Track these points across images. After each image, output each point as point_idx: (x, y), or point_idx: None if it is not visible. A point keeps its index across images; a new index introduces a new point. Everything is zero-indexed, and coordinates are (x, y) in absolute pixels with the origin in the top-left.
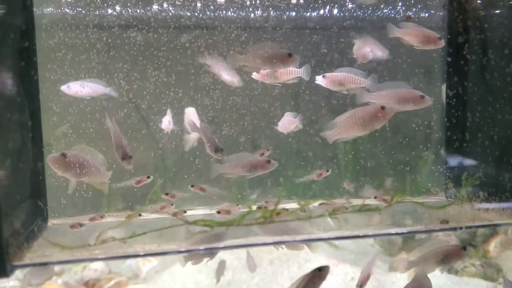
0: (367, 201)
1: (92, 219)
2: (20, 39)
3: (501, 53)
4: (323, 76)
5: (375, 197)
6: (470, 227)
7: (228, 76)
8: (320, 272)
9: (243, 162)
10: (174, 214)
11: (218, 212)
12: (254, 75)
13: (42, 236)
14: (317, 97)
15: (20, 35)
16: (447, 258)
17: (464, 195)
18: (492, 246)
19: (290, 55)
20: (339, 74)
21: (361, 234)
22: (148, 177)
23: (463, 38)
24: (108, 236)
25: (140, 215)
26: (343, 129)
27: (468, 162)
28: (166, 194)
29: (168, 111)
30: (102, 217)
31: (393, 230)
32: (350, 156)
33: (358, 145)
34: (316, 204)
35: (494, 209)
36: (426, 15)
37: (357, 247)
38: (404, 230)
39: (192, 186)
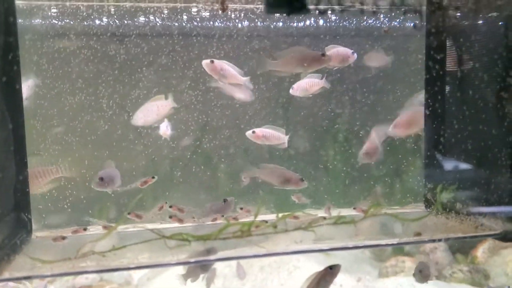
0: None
1: (75, 232)
2: (3, 53)
3: (474, 67)
4: (292, 88)
5: (354, 208)
6: (448, 239)
7: (241, 94)
8: (332, 270)
9: (278, 174)
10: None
11: (170, 217)
12: (205, 63)
13: (25, 249)
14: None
15: (3, 50)
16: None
17: (439, 207)
18: (480, 251)
19: (323, 55)
20: (303, 82)
21: (350, 246)
22: (153, 177)
23: (440, 51)
24: (89, 250)
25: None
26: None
27: (445, 174)
28: (129, 213)
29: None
30: (85, 229)
31: (383, 242)
32: (334, 165)
33: (347, 153)
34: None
35: (469, 220)
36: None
37: (348, 254)
38: (394, 241)
39: (171, 206)
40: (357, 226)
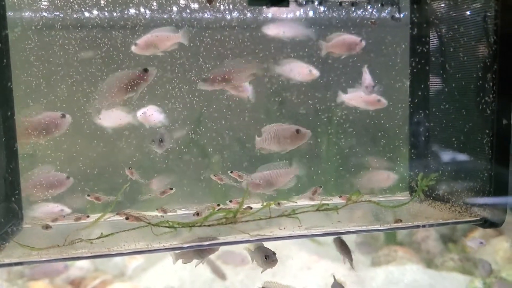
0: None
1: (54, 220)
2: None
3: (457, 58)
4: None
5: (340, 196)
6: (432, 225)
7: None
8: None
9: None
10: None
11: (127, 219)
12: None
13: (15, 238)
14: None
15: None
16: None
17: (421, 194)
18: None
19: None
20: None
21: (341, 231)
22: (171, 189)
23: (424, 43)
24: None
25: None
26: (265, 141)
27: (429, 162)
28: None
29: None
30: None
31: (374, 227)
32: (332, 153)
33: (339, 142)
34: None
35: (452, 207)
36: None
37: None
38: (385, 227)
39: (88, 195)
40: (350, 215)
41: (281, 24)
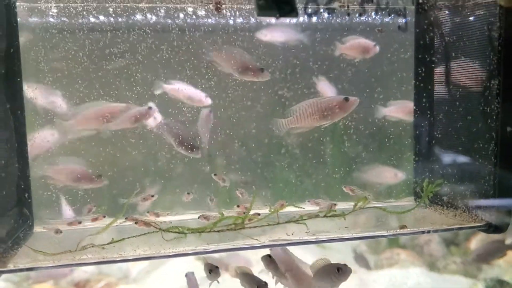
0: None
1: (70, 224)
2: (5, 52)
3: (461, 64)
4: None
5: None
6: (436, 231)
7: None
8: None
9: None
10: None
11: (136, 223)
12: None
13: (27, 243)
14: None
15: (4, 49)
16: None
17: (426, 200)
18: (473, 244)
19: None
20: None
21: (346, 237)
22: (152, 196)
23: (428, 48)
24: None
25: None
26: (302, 117)
27: (434, 168)
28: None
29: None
30: (79, 222)
31: (379, 233)
32: (336, 156)
33: (344, 146)
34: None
35: (456, 212)
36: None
37: (344, 246)
38: (391, 232)
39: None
40: (354, 219)
41: (274, 29)
